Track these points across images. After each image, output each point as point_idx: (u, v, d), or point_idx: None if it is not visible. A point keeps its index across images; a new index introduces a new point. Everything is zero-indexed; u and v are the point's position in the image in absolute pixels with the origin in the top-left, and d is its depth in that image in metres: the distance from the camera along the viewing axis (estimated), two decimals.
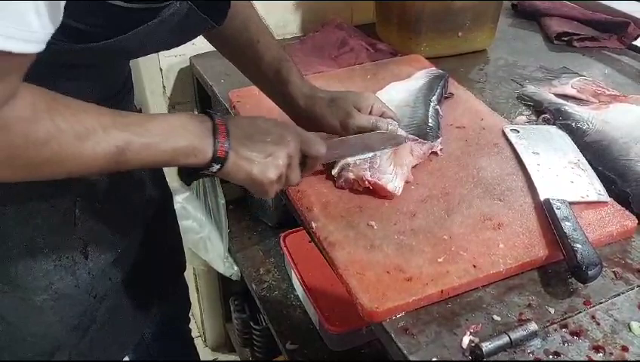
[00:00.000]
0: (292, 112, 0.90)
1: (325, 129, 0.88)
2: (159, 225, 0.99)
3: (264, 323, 1.50)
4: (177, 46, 0.78)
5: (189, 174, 0.72)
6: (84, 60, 0.69)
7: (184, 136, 0.66)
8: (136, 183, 0.91)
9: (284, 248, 1.34)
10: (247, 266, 1.42)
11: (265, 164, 0.70)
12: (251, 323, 1.57)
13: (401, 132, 0.90)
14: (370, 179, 0.82)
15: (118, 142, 0.61)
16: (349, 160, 0.84)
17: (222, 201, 1.40)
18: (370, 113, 0.87)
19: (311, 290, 1.24)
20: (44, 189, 0.75)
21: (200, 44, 1.28)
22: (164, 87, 1.33)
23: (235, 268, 1.46)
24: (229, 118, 0.71)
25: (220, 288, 1.70)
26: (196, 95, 1.32)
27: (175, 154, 0.66)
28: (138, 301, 0.97)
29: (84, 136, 0.59)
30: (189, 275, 1.66)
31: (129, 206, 0.89)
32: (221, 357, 1.89)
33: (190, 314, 1.47)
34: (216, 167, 0.68)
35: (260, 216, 1.54)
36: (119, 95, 0.83)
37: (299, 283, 1.28)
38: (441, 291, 0.69)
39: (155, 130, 0.64)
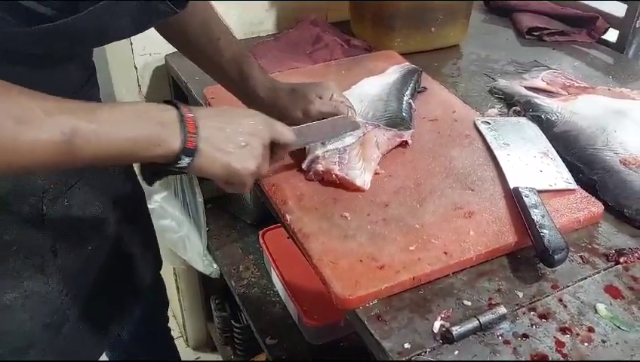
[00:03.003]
0: (254, 106, 0.90)
1: (287, 119, 0.88)
2: (132, 222, 0.98)
3: (245, 321, 1.50)
4: (137, 33, 0.74)
5: (154, 173, 0.67)
6: (41, 48, 0.65)
7: (144, 125, 0.61)
8: (105, 180, 0.90)
9: (263, 244, 1.35)
10: (227, 264, 1.43)
11: (242, 154, 0.67)
12: (232, 322, 1.58)
13: (359, 119, 0.92)
14: (338, 173, 0.83)
15: (64, 129, 0.56)
16: (318, 152, 0.85)
17: (200, 200, 1.40)
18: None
19: (290, 286, 1.25)
20: (8, 185, 0.74)
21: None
22: (139, 85, 1.33)
23: (215, 266, 1.46)
24: (195, 107, 0.67)
25: (201, 287, 1.70)
26: (172, 93, 1.32)
27: (134, 145, 0.61)
28: (113, 299, 0.96)
29: (23, 120, 0.54)
30: (169, 275, 1.66)
31: (99, 202, 0.88)
32: (203, 356, 1.89)
33: (171, 314, 1.47)
34: (186, 160, 0.64)
35: (238, 214, 1.54)
36: (82, 91, 0.80)
37: (278, 279, 1.29)
38: (413, 278, 0.70)
39: (107, 117, 0.59)
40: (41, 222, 0.79)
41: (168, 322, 1.31)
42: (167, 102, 0.66)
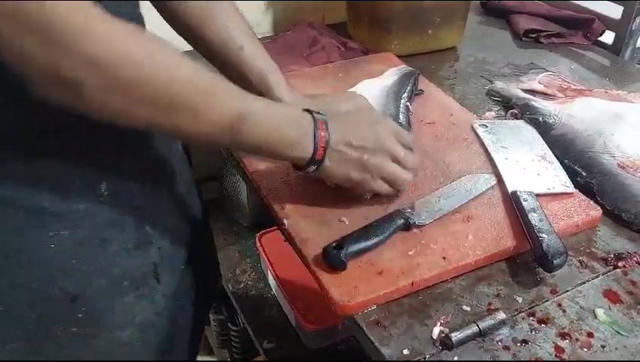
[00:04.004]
0: None
1: None
2: (200, 233, 0.92)
3: (241, 324, 1.50)
4: None
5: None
6: None
7: (293, 125, 0.70)
8: (188, 191, 0.86)
9: (260, 248, 1.34)
10: (223, 267, 1.41)
11: (361, 165, 0.74)
12: (229, 324, 1.57)
13: None
14: None
15: (241, 107, 0.63)
16: None
17: None
18: None
19: (287, 289, 1.25)
20: (110, 211, 0.69)
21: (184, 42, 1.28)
22: None
23: None
24: (328, 116, 0.73)
25: None
26: None
27: (282, 142, 0.69)
28: (197, 315, 0.90)
29: (210, 92, 0.61)
30: None
31: (187, 216, 0.84)
32: (199, 359, 1.88)
33: None
34: (312, 168, 0.72)
35: (235, 217, 1.54)
36: None
37: (275, 283, 1.29)
38: (412, 283, 0.70)
39: (268, 107, 0.68)
40: (148, 245, 0.74)
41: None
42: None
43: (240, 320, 1.50)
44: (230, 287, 1.36)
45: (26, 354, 0.69)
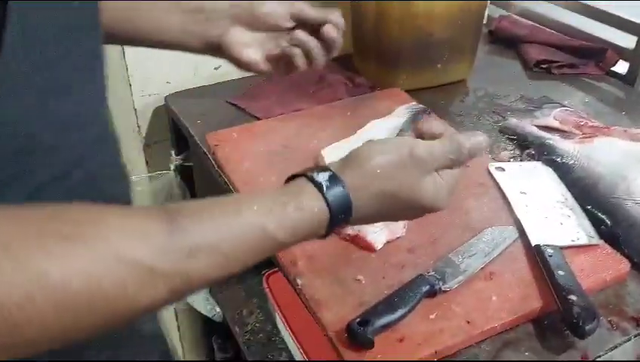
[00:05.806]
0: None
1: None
2: None
3: None
4: None
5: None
6: None
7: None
8: None
9: (267, 289, 1.30)
10: (229, 308, 1.38)
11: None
12: None
13: None
14: (350, 232, 0.79)
15: (175, 283, 0.44)
16: None
17: None
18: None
19: (297, 333, 1.20)
20: None
21: (175, 83, 1.26)
22: (138, 126, 1.29)
23: (217, 309, 1.41)
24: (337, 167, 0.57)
25: (202, 327, 1.65)
26: (172, 134, 1.28)
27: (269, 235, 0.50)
28: None
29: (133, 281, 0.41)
30: (169, 314, 1.61)
31: None
32: None
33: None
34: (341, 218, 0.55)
35: None
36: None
37: (284, 326, 1.24)
38: (435, 352, 0.66)
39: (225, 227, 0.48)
40: None
41: None
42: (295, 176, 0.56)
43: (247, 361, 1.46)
44: (237, 330, 1.32)
45: None
